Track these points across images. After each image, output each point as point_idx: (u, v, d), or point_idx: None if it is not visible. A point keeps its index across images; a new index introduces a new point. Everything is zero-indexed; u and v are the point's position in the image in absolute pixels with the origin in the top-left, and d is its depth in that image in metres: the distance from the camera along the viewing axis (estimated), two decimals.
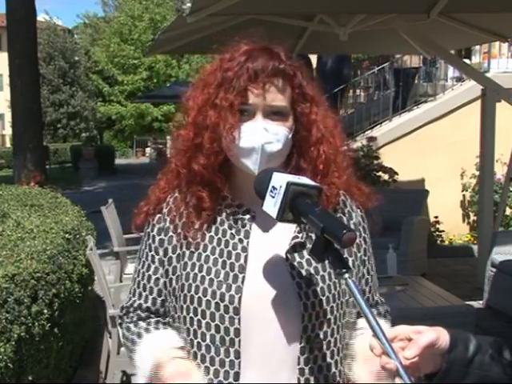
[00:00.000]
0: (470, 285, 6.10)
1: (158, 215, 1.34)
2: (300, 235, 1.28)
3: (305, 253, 1.27)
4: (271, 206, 1.14)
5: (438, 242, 7.98)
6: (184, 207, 1.31)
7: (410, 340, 1.05)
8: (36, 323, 2.83)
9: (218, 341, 1.23)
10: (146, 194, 1.39)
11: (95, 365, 4.01)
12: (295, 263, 1.26)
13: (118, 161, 25.25)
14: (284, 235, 1.29)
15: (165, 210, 1.33)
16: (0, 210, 4.28)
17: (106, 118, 30.25)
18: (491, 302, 5.35)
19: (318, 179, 1.28)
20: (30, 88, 11.82)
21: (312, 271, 1.26)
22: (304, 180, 1.16)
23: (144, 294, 1.35)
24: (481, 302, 5.47)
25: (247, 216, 1.29)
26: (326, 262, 1.12)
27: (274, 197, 1.14)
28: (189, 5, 4.05)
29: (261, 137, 1.24)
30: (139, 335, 1.32)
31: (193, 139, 1.29)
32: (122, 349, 3.46)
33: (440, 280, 5.72)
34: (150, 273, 1.34)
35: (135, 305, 1.36)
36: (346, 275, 1.05)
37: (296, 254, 1.27)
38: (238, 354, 1.22)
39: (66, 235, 3.80)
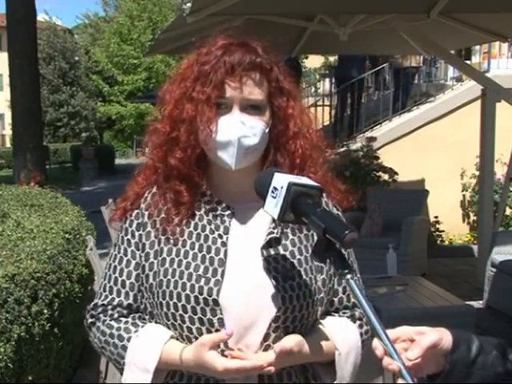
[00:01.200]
0: (470, 285, 6.10)
1: (136, 211, 1.33)
2: (275, 231, 1.29)
3: (280, 248, 1.28)
4: (272, 206, 1.14)
5: (438, 242, 7.98)
6: (162, 202, 1.31)
7: (412, 341, 1.05)
8: (36, 323, 2.83)
9: (204, 332, 1.23)
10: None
11: (95, 365, 4.00)
12: (271, 258, 1.27)
13: (118, 161, 25.24)
14: (262, 231, 1.29)
15: (143, 205, 1.33)
16: (0, 210, 4.28)
17: (106, 118, 30.25)
18: (491, 302, 5.35)
19: (295, 173, 1.28)
20: (29, 88, 11.81)
21: (288, 266, 1.27)
22: (305, 180, 1.16)
23: (123, 290, 1.31)
24: (481, 302, 5.46)
25: (227, 212, 1.30)
26: (326, 261, 1.12)
27: (275, 197, 1.14)
28: (189, 5, 4.04)
29: (237, 130, 1.25)
30: (127, 330, 1.28)
31: (169, 133, 1.29)
32: None
33: (440, 280, 5.72)
34: (131, 268, 1.31)
35: (114, 303, 1.32)
36: (348, 276, 1.05)
37: (271, 250, 1.28)
38: (226, 344, 1.22)
39: (66, 235, 3.80)
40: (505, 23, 5.58)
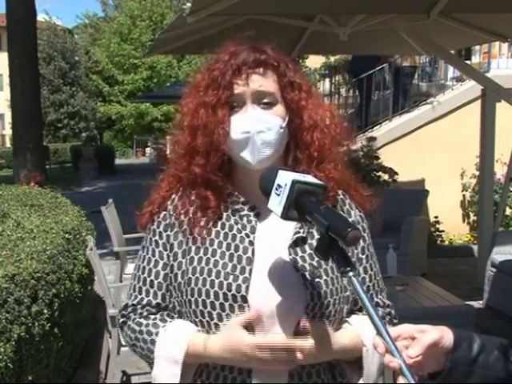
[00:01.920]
0: (470, 285, 6.10)
1: (164, 212, 1.36)
2: (301, 230, 1.31)
3: (306, 247, 1.30)
4: (276, 204, 1.15)
5: (438, 242, 7.99)
6: (189, 204, 1.33)
7: (413, 339, 1.05)
8: (36, 323, 2.83)
9: None
10: (147, 194, 1.40)
11: (95, 365, 4.01)
12: (298, 257, 1.29)
13: (118, 161, 25.26)
14: (287, 231, 1.31)
15: (170, 207, 1.36)
16: (0, 210, 4.27)
17: (106, 118, 30.26)
18: (491, 302, 5.35)
19: (313, 167, 1.30)
20: (30, 88, 11.81)
21: (315, 264, 1.28)
22: (309, 178, 1.17)
23: (152, 290, 1.34)
24: (481, 302, 5.46)
25: (253, 213, 1.32)
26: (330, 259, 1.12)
27: (279, 195, 1.14)
28: (189, 5, 4.04)
29: (251, 126, 1.27)
30: (155, 326, 1.31)
31: (190, 142, 1.32)
32: (122, 349, 3.46)
33: (440, 280, 5.72)
34: (159, 268, 1.34)
35: (143, 302, 1.35)
36: (351, 273, 1.06)
37: (298, 249, 1.30)
38: None
39: (66, 235, 3.80)
40: (505, 23, 5.58)
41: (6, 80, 14.52)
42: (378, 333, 1.01)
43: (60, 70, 27.82)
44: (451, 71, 9.48)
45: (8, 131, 22.62)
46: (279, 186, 1.15)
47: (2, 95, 28.94)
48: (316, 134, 1.32)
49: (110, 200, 5.63)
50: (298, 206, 1.13)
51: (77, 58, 29.58)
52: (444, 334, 1.06)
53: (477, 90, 6.64)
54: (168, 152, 1.44)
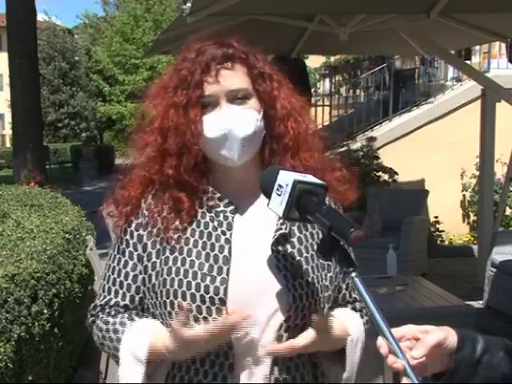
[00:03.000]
0: (470, 285, 6.10)
1: (136, 210, 1.32)
2: (283, 226, 1.28)
3: (288, 246, 1.28)
4: (277, 204, 1.13)
5: (438, 242, 7.98)
6: (162, 204, 1.30)
7: (417, 339, 1.04)
8: (36, 323, 2.83)
9: None
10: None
11: (95, 365, 4.01)
12: (280, 256, 1.26)
13: (118, 161, 25.24)
14: (267, 227, 1.28)
15: (143, 205, 1.32)
16: (0, 210, 4.28)
17: (106, 117, 30.25)
18: (491, 302, 5.35)
19: (289, 156, 1.28)
20: (30, 88, 11.82)
21: (296, 264, 1.26)
22: (310, 178, 1.15)
23: (121, 291, 1.31)
24: (481, 302, 5.46)
25: (229, 208, 1.29)
26: (328, 258, 1.12)
27: (280, 195, 1.13)
28: (189, 5, 4.04)
29: (227, 123, 1.24)
30: (122, 324, 1.27)
31: (161, 144, 1.29)
32: None
33: (440, 280, 5.72)
34: (128, 269, 1.30)
35: (111, 303, 1.31)
36: (353, 274, 1.05)
37: (280, 247, 1.27)
38: (230, 345, 1.21)
39: (66, 235, 3.80)
40: (505, 23, 5.58)
41: (6, 80, 14.53)
42: (382, 333, 1.00)
43: (60, 70, 27.82)
44: (451, 71, 9.48)
45: (8, 131, 22.61)
46: (280, 186, 1.13)
47: (2, 95, 28.92)
48: (290, 123, 1.30)
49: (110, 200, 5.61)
50: (300, 206, 1.12)
51: (77, 58, 29.57)
52: (448, 335, 1.05)
53: (477, 90, 6.64)
54: (133, 154, 1.37)
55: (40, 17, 26.76)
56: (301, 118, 1.33)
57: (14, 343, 2.58)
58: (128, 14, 29.35)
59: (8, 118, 19.18)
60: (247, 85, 1.27)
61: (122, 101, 29.30)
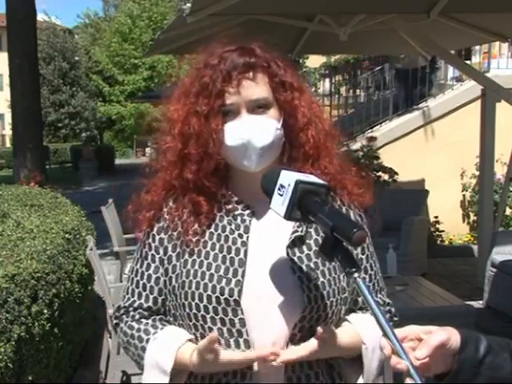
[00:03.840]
0: (470, 285, 6.10)
1: (158, 215, 1.35)
2: (299, 229, 1.29)
3: (304, 248, 1.29)
4: (279, 204, 1.13)
5: (438, 242, 7.98)
6: (183, 208, 1.32)
7: (420, 340, 1.04)
8: (36, 323, 2.83)
9: (225, 333, 1.24)
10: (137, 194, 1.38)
11: (95, 365, 4.01)
12: (295, 258, 1.27)
13: (118, 161, 25.26)
14: (283, 230, 1.29)
15: (164, 210, 1.34)
16: (0, 210, 4.28)
17: (106, 117, 30.25)
18: (491, 302, 5.35)
19: (309, 164, 1.29)
20: (30, 88, 11.83)
21: (312, 266, 1.27)
22: (312, 178, 1.15)
23: (144, 293, 1.34)
24: (481, 302, 5.46)
25: (247, 212, 1.31)
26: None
27: (282, 195, 1.13)
28: (189, 5, 4.04)
29: (246, 132, 1.25)
30: (146, 332, 1.31)
31: (181, 150, 1.31)
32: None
33: (440, 280, 5.72)
34: (151, 272, 1.34)
35: (135, 305, 1.35)
36: (356, 274, 1.04)
37: (296, 249, 1.28)
38: (247, 344, 1.23)
39: (66, 235, 3.80)
40: (505, 23, 5.57)
41: (6, 80, 14.54)
42: (385, 334, 1.00)
43: (60, 70, 27.82)
44: (451, 71, 9.47)
45: (8, 131, 22.62)
46: (282, 186, 1.13)
47: (2, 95, 28.93)
48: (311, 131, 1.31)
49: (110, 200, 5.63)
50: (302, 206, 1.12)
51: (77, 58, 29.58)
52: (451, 335, 1.05)
53: (477, 90, 6.63)
54: (152, 157, 1.40)
55: (40, 17, 26.76)
56: (321, 125, 1.34)
57: (14, 343, 2.59)
58: (125, 14, 29.37)
59: (8, 118, 19.18)
60: (268, 94, 1.28)
61: (122, 101, 29.31)
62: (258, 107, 1.27)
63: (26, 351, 2.75)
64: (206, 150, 1.28)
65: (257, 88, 1.27)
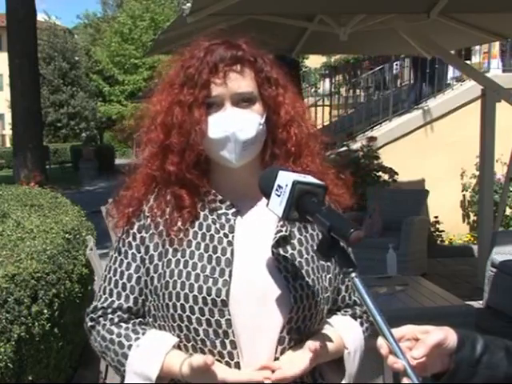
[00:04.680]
0: (470, 285, 6.10)
1: (138, 212, 1.32)
2: (283, 229, 1.28)
3: (289, 247, 1.28)
4: (276, 204, 1.13)
5: (438, 242, 7.98)
6: (165, 205, 1.30)
7: (417, 340, 1.04)
8: (36, 323, 2.83)
9: (211, 334, 1.22)
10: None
11: (95, 365, 4.01)
12: (281, 257, 1.26)
13: (118, 161, 25.24)
14: (267, 229, 1.29)
15: (145, 207, 1.32)
16: (0, 210, 4.28)
17: (106, 117, 30.24)
18: (491, 302, 5.35)
19: (291, 162, 1.29)
20: (30, 88, 11.82)
21: (297, 265, 1.26)
22: (310, 179, 1.15)
23: (124, 293, 1.30)
24: (481, 302, 5.46)
25: (231, 211, 1.29)
26: (325, 258, 1.13)
27: (279, 195, 1.13)
28: (189, 5, 4.04)
29: (230, 125, 1.24)
30: (127, 337, 1.27)
31: (163, 141, 1.29)
32: None
33: (440, 280, 5.72)
34: (132, 271, 1.30)
35: (114, 305, 1.30)
36: (353, 274, 1.04)
37: (280, 249, 1.27)
38: (234, 345, 1.22)
39: (66, 235, 3.80)
40: (505, 23, 5.58)
41: (6, 80, 14.53)
42: (382, 334, 1.00)
43: (60, 70, 27.82)
44: (451, 71, 9.47)
45: (8, 131, 22.61)
46: (279, 186, 1.13)
47: (2, 95, 28.93)
48: (293, 129, 1.31)
49: (110, 200, 5.62)
50: (299, 206, 1.12)
51: (77, 58, 29.57)
52: (448, 335, 1.05)
53: (477, 90, 6.64)
54: (135, 153, 1.40)
55: (40, 17, 26.73)
56: (303, 123, 1.33)
57: (14, 343, 2.58)
58: (126, 14, 29.37)
59: (8, 118, 19.18)
60: (253, 88, 1.28)
61: (122, 101, 29.31)
62: (242, 101, 1.26)
63: (26, 351, 2.75)
64: (187, 140, 1.26)
65: (243, 81, 1.26)
